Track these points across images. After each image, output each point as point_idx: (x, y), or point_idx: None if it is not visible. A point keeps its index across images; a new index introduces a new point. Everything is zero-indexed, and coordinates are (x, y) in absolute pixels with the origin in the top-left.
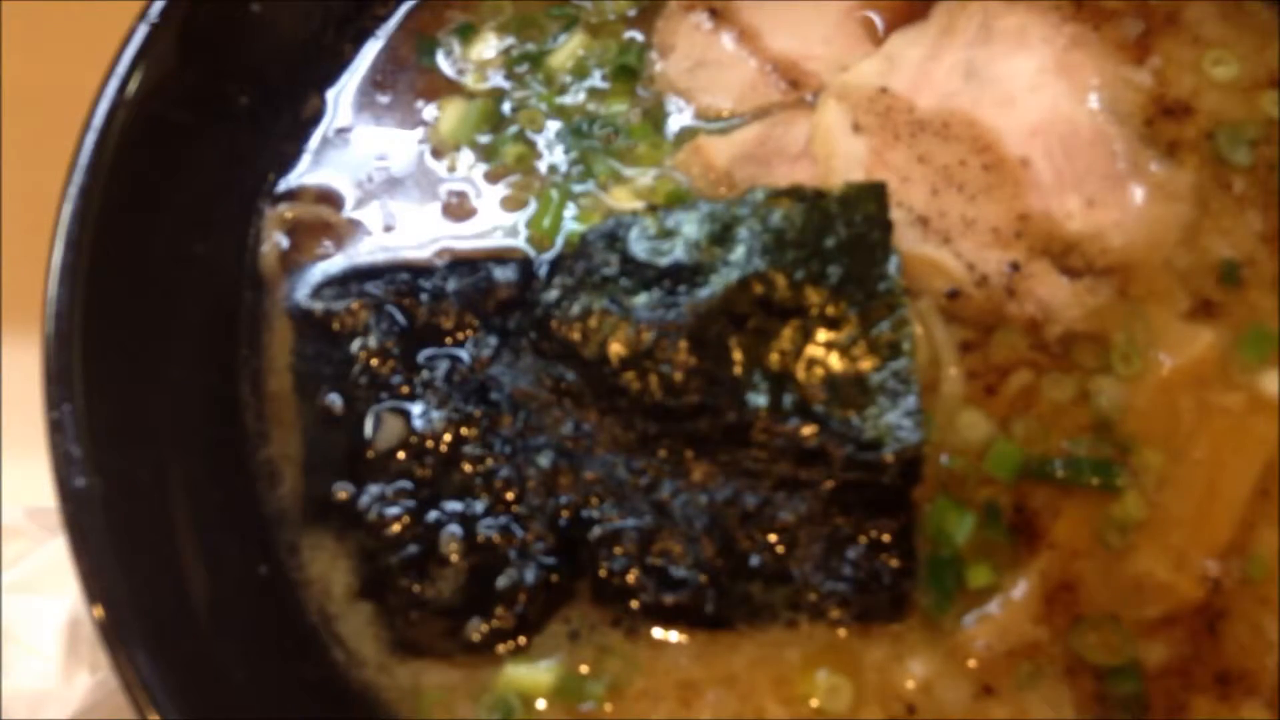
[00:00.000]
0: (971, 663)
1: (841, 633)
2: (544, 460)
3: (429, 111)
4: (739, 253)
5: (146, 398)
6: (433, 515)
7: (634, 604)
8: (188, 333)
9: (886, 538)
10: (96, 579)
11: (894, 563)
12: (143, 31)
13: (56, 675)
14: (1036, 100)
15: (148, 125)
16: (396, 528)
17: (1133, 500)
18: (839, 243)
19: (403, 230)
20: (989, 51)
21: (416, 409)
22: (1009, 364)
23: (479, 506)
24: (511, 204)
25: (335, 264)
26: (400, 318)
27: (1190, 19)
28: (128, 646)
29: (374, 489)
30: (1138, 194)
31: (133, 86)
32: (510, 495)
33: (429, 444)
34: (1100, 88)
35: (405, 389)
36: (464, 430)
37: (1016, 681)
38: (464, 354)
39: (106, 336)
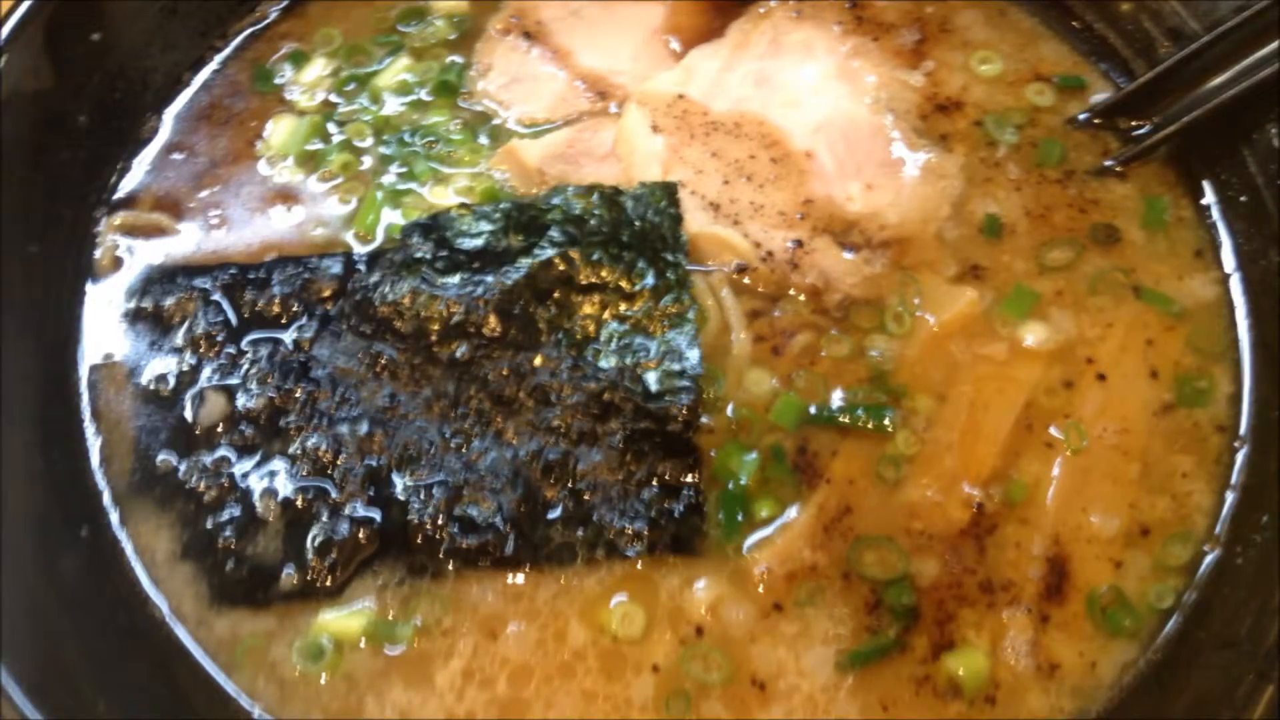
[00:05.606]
0: (759, 586)
1: (638, 565)
2: (360, 428)
3: (261, 127)
4: (545, 239)
5: None
6: (252, 481)
7: (440, 551)
8: (24, 321)
9: (676, 479)
10: None
11: (683, 500)
12: None
13: None
14: (820, 101)
15: None
16: (216, 493)
17: (904, 438)
18: (633, 232)
19: (233, 232)
20: (778, 62)
21: (239, 387)
22: (793, 327)
23: (297, 471)
24: (337, 204)
25: (168, 262)
26: (226, 307)
27: (960, 25)
28: None
29: (196, 460)
30: (911, 178)
31: None
32: (326, 459)
33: (250, 417)
34: (878, 88)
35: (229, 370)
36: (284, 404)
37: (799, 598)
38: (287, 337)
39: None
